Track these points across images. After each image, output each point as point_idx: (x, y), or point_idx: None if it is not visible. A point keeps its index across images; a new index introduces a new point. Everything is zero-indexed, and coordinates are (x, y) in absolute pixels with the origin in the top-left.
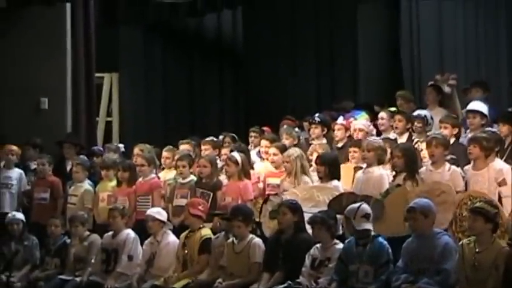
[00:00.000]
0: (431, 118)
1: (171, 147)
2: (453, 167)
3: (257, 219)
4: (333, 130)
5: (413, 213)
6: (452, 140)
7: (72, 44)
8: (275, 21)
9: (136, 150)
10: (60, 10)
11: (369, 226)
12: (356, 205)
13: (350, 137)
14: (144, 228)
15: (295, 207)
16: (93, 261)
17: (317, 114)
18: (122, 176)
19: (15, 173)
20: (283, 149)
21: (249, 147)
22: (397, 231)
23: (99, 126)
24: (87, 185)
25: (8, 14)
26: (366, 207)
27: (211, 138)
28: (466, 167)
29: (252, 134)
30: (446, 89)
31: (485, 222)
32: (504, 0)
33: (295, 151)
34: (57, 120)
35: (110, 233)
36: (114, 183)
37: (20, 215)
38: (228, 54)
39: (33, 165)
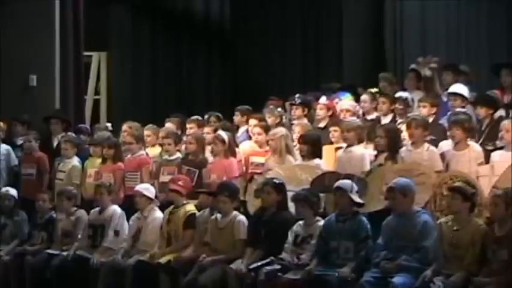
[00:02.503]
0: (412, 100)
1: (151, 125)
2: (432, 147)
3: (242, 198)
4: (315, 110)
5: (393, 193)
6: (430, 119)
7: (61, 22)
8: (262, 3)
9: (124, 127)
10: None
11: (362, 201)
12: (349, 180)
13: (331, 116)
14: (132, 204)
15: (280, 187)
16: (79, 236)
17: (297, 95)
18: (107, 152)
19: (2, 148)
20: (266, 128)
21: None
22: (377, 207)
23: (87, 104)
24: (75, 161)
25: None
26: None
27: (196, 117)
28: (444, 145)
29: (236, 113)
30: (428, 72)
31: (463, 201)
32: None
33: (280, 130)
34: (45, 98)
35: (97, 208)
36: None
37: (13, 191)
38: (216, 34)
39: (19, 141)
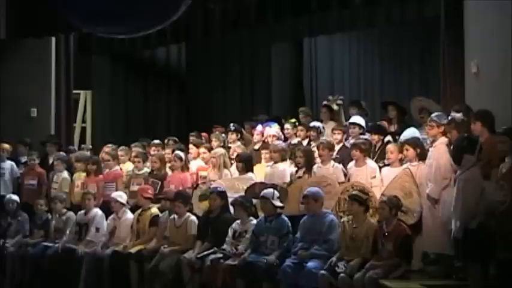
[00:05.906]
0: (323, 128)
1: (123, 147)
2: (336, 164)
3: None
4: (252, 135)
5: (307, 199)
6: (341, 144)
7: (56, 67)
8: (210, 53)
9: (104, 148)
10: (47, 42)
11: (281, 204)
12: (271, 190)
13: (264, 141)
14: (109, 207)
15: (222, 195)
16: (68, 232)
17: (232, 124)
18: (90, 168)
19: (7, 164)
20: (210, 149)
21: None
22: (296, 211)
23: (76, 131)
24: (65, 174)
25: (7, 44)
26: (276, 192)
27: (157, 141)
28: (349, 165)
29: (190, 138)
30: (335, 107)
31: (359, 205)
32: (376, 38)
33: (219, 150)
34: (43, 126)
35: (83, 211)
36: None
37: (15, 197)
38: (174, 77)
39: (23, 159)
